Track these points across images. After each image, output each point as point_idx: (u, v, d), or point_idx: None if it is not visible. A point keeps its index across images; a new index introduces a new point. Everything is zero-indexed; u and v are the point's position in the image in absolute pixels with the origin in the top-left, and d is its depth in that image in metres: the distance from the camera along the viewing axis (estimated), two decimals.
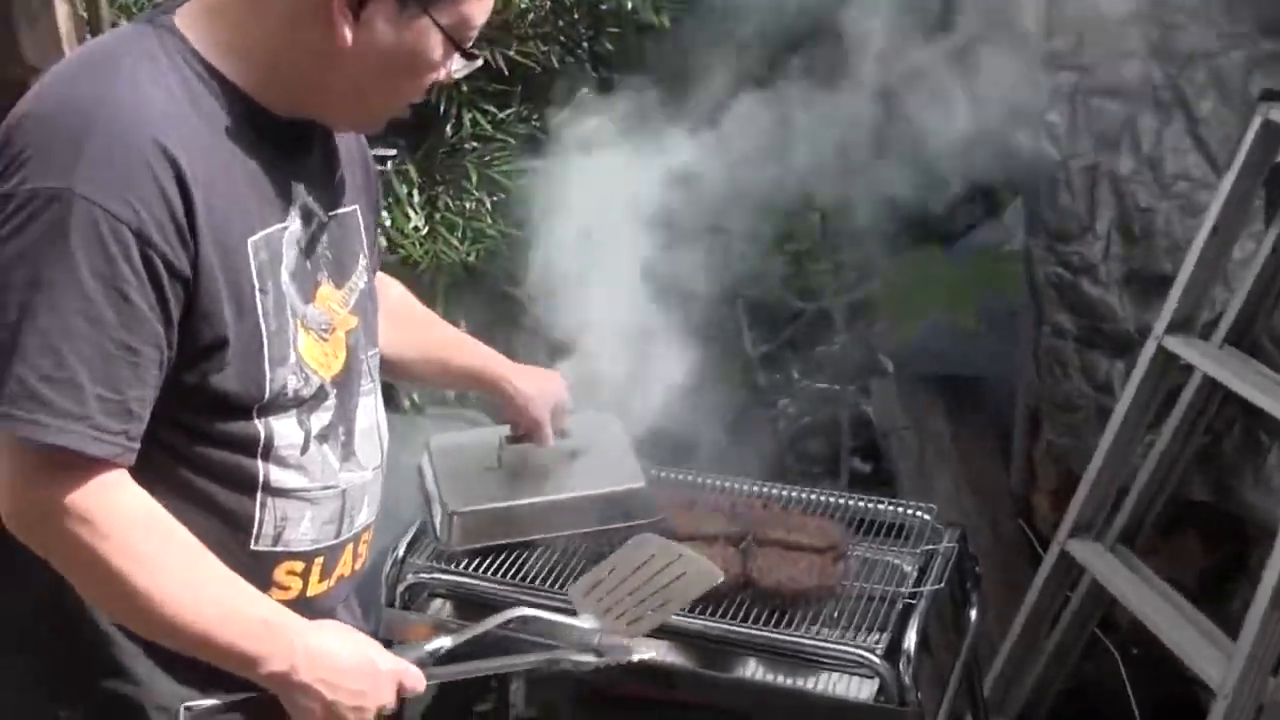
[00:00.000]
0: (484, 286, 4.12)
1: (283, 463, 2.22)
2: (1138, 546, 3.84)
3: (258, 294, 2.10)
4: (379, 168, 2.57)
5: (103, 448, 1.97)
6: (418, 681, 2.34)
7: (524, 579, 3.46)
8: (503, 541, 3.41)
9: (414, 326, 2.95)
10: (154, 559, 2.04)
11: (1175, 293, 3.66)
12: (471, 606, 3.51)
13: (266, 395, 2.15)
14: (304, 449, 2.25)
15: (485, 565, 3.44)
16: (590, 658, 2.68)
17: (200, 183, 1.99)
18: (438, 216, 5.47)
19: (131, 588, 2.02)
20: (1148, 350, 3.70)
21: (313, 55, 2.08)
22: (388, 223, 5.46)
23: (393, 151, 4.55)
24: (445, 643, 2.56)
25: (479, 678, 4.68)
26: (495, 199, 5.42)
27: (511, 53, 4.76)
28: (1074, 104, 4.31)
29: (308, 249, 2.22)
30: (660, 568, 2.88)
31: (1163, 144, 4.11)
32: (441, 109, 5.08)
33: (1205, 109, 4.02)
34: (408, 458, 3.48)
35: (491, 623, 2.69)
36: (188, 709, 2.18)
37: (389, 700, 2.29)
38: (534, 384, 3.18)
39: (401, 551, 3.41)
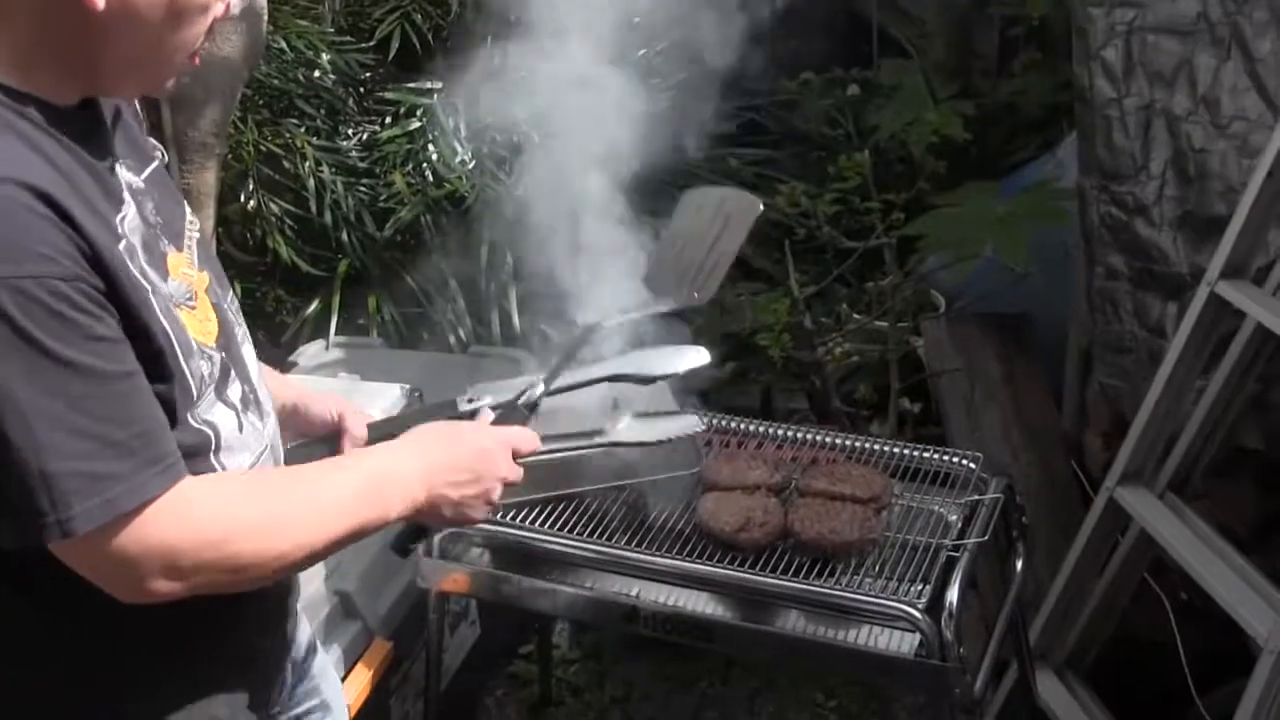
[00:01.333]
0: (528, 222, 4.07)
1: (230, 450, 2.19)
2: (1187, 494, 3.79)
3: (151, 295, 2.01)
4: None
5: (168, 475, 1.95)
6: (531, 441, 2.51)
7: (562, 528, 3.45)
8: (542, 495, 3.40)
9: None
10: (270, 521, 2.08)
11: (1229, 237, 3.59)
12: (510, 555, 3.51)
13: (195, 392, 2.10)
14: (240, 427, 2.22)
15: (524, 516, 3.44)
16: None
17: (68, 205, 1.88)
18: (485, 150, 5.44)
19: (272, 555, 2.06)
20: (1200, 296, 3.64)
21: (75, 34, 1.95)
22: (434, 156, 5.44)
23: None
24: (537, 388, 2.65)
25: (521, 623, 4.70)
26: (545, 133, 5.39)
27: None
28: (1129, 41, 4.23)
29: (146, 226, 2.10)
30: (708, 221, 3.01)
31: (1220, 83, 4.03)
32: (489, 40, 5.04)
33: (1264, 48, 3.93)
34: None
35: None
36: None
37: (511, 473, 2.43)
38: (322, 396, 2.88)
39: None
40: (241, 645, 2.35)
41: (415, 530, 2.57)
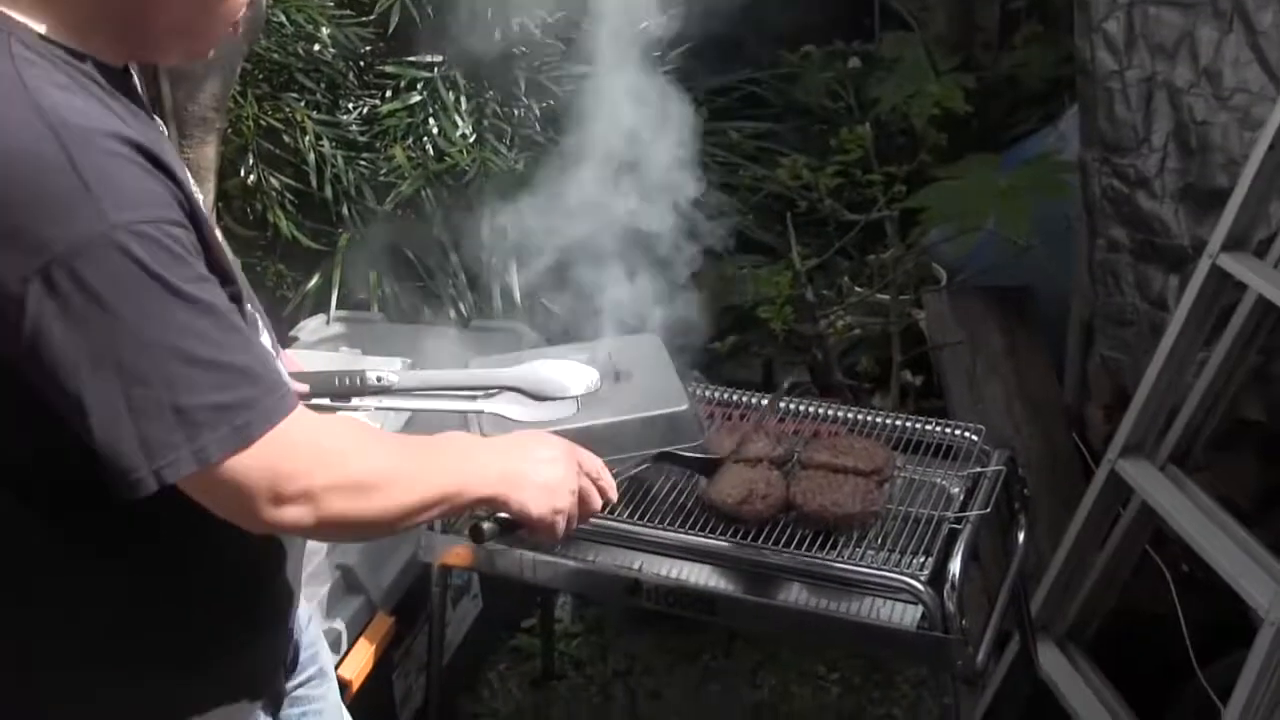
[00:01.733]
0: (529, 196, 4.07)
1: None
2: (1189, 466, 3.79)
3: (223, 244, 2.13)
4: None
5: (288, 400, 2.01)
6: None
7: None
8: None
9: None
10: (388, 459, 2.17)
11: (1230, 209, 3.59)
12: (512, 529, 3.51)
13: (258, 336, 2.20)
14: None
15: None
16: None
17: (160, 156, 1.96)
18: (485, 124, 5.44)
19: (395, 491, 2.14)
20: (1201, 268, 3.63)
21: (133, 1, 2.02)
22: (434, 130, 5.43)
23: None
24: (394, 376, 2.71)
25: (524, 597, 4.71)
26: (544, 105, 5.39)
27: None
28: (1131, 13, 4.22)
29: None
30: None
31: (1221, 56, 4.02)
32: (489, 14, 5.04)
33: (1265, 20, 3.93)
34: None
35: None
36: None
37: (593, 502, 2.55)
38: None
39: None
40: (272, 607, 2.40)
41: (505, 523, 2.55)
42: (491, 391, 2.85)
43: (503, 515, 2.44)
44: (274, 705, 2.46)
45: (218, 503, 2.00)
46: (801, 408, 3.81)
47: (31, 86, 1.89)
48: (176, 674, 2.26)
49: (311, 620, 2.76)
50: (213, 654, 2.28)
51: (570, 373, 2.94)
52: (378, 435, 2.28)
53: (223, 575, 2.26)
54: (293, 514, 2.02)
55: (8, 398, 1.93)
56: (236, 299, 2.07)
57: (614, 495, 2.61)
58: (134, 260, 1.84)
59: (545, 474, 2.41)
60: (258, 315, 2.29)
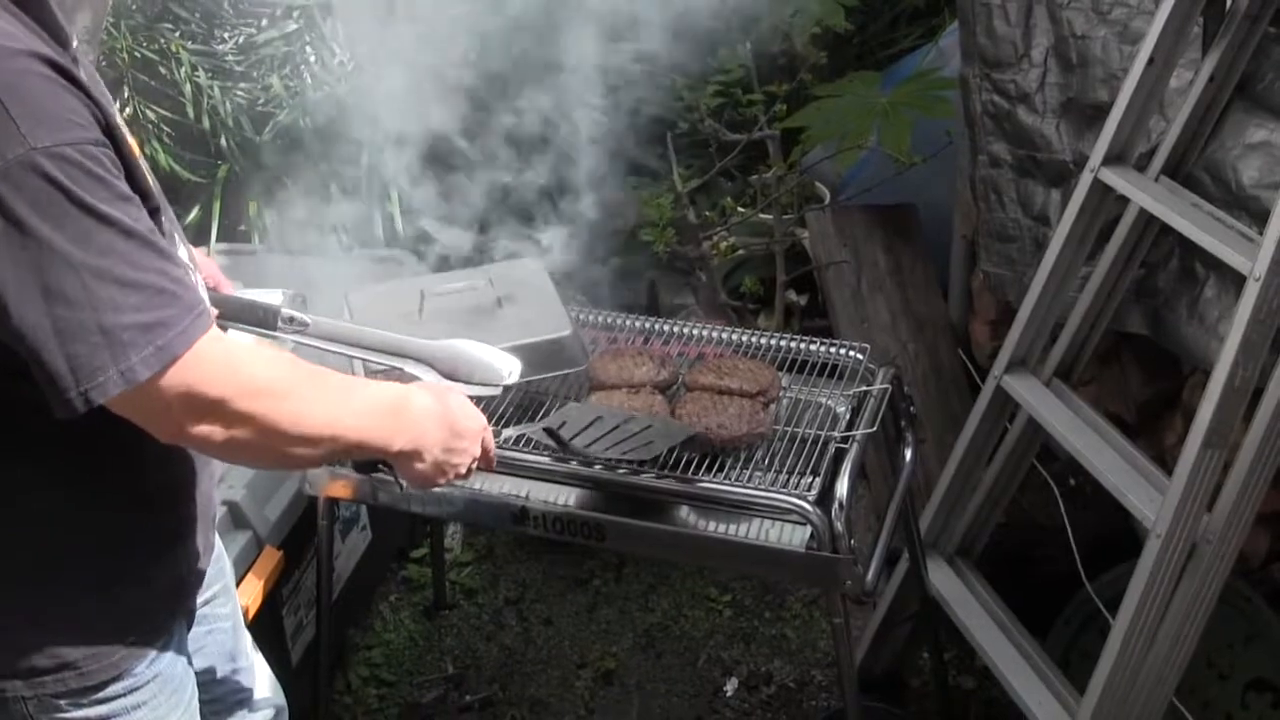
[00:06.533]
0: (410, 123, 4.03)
1: None
2: (1074, 380, 3.81)
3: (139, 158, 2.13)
4: None
5: (205, 318, 2.07)
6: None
7: None
8: None
9: None
10: (305, 388, 2.23)
11: (1110, 124, 3.59)
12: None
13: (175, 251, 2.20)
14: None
15: None
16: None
17: (76, 74, 1.99)
18: (364, 51, 5.38)
19: (304, 420, 2.19)
20: (1083, 182, 3.63)
21: None
22: (312, 59, 5.37)
23: None
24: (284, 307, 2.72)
25: (413, 527, 4.69)
26: (422, 30, 5.32)
27: None
28: None
29: None
30: None
31: None
32: None
33: None
34: (329, 304, 3.43)
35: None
36: None
37: (485, 460, 2.66)
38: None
39: None
40: (194, 514, 2.48)
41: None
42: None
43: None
44: (189, 618, 2.58)
45: (135, 416, 2.07)
46: (685, 330, 3.79)
47: None
48: (112, 585, 2.33)
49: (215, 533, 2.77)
50: (142, 562, 2.37)
51: (493, 360, 2.90)
52: (289, 356, 2.32)
53: (148, 484, 2.36)
54: (205, 428, 2.08)
55: None
56: (155, 213, 2.11)
57: (493, 465, 2.71)
58: (53, 184, 1.88)
59: (439, 441, 2.48)
60: (174, 229, 2.32)
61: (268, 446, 2.16)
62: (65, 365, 1.93)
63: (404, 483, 2.52)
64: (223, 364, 2.07)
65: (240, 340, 2.34)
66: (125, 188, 1.99)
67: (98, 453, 2.22)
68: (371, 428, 2.34)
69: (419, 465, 2.46)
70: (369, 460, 2.50)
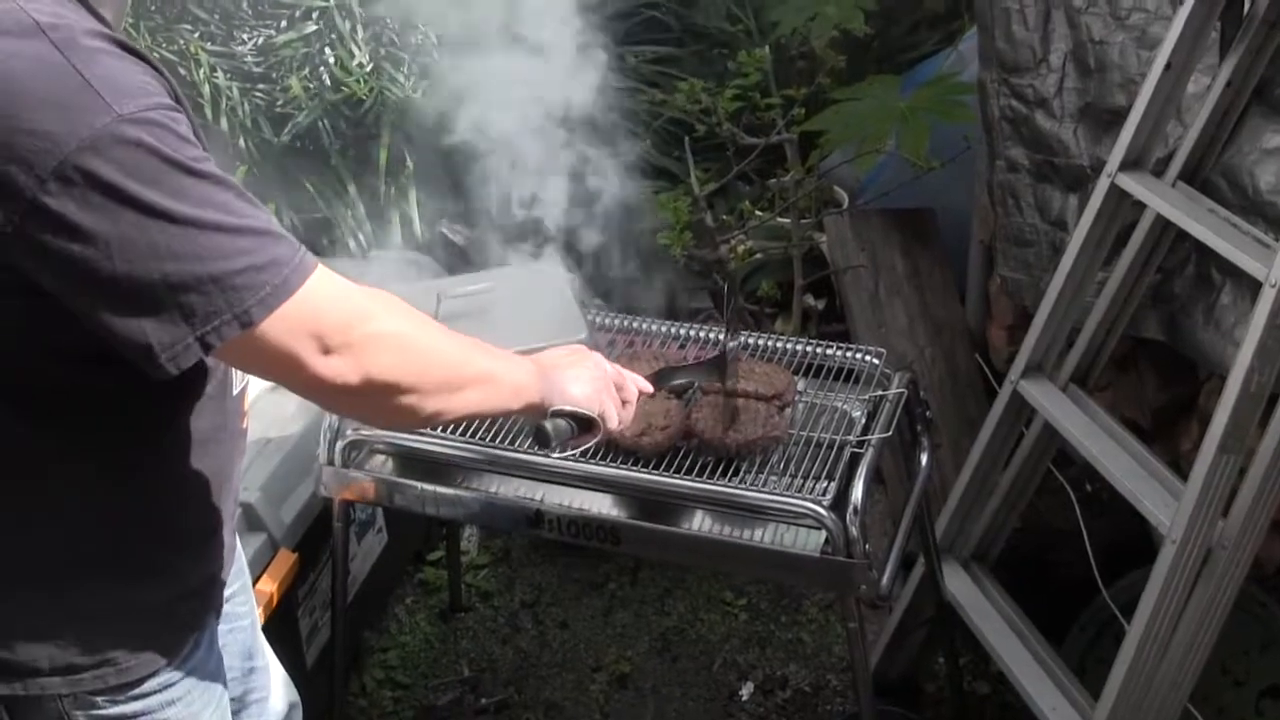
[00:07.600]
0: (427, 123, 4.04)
1: None
2: (1090, 385, 3.80)
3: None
4: None
5: (309, 256, 2.07)
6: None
7: (464, 433, 3.44)
8: None
9: None
10: (426, 321, 2.29)
11: (1128, 129, 3.58)
12: (412, 462, 3.49)
13: None
14: None
15: None
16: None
17: (142, 51, 2.03)
18: (383, 52, 5.39)
19: (435, 353, 2.27)
20: (1100, 188, 3.63)
21: None
22: (331, 59, 5.38)
23: None
24: None
25: (429, 530, 4.69)
26: (442, 33, 5.33)
27: None
28: None
29: None
30: None
31: None
32: None
33: None
34: None
35: None
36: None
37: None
38: None
39: None
40: (228, 503, 2.48)
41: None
42: None
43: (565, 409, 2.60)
44: (218, 612, 2.55)
45: (264, 365, 2.09)
46: (701, 334, 3.79)
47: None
48: (152, 580, 2.33)
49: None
50: (181, 556, 2.38)
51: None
52: (400, 302, 2.29)
53: (187, 478, 2.34)
54: (338, 365, 2.09)
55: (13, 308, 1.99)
56: None
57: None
58: (143, 147, 1.89)
59: (580, 377, 2.68)
60: None
61: (407, 385, 2.19)
62: (179, 315, 1.94)
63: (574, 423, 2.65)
64: (343, 300, 2.11)
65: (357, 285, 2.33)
66: (203, 149, 2.01)
67: (140, 447, 2.23)
68: (506, 368, 2.45)
69: (578, 389, 2.64)
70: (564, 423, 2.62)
